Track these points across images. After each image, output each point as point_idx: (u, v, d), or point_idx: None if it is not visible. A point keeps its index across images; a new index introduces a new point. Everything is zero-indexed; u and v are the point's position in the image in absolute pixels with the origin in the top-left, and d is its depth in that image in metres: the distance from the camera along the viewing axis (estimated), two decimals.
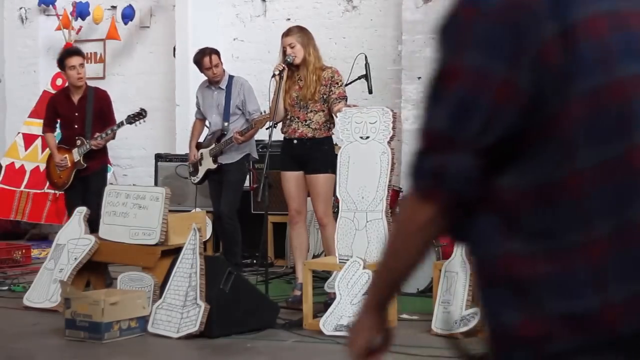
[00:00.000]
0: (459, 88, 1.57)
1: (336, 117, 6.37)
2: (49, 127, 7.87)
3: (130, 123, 7.62)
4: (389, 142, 6.02)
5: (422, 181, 1.64)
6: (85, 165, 7.59)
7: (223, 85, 7.66)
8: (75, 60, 7.59)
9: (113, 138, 7.73)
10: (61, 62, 7.68)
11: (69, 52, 7.85)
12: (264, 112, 7.22)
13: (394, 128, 6.05)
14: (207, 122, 7.92)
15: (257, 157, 7.76)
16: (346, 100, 6.56)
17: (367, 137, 6.09)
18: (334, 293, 5.83)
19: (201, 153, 7.76)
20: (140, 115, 7.61)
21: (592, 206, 1.55)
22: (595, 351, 1.55)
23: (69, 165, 7.65)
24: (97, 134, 7.52)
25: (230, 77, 7.72)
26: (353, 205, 6.07)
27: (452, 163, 1.59)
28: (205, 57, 7.61)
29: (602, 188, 1.55)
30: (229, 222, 7.49)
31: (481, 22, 1.57)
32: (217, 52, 7.70)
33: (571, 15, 1.56)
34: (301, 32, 6.63)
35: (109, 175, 8.41)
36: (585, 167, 1.55)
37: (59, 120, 7.84)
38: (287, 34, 6.63)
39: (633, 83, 1.58)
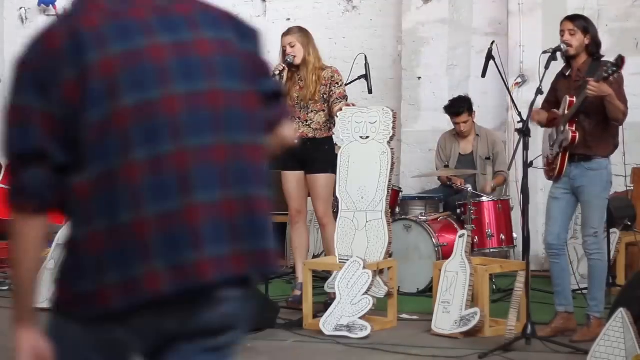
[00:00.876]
0: (16, 121, 2.01)
1: (337, 117, 6.39)
2: None
3: None
4: (388, 142, 6.03)
5: (12, 199, 2.04)
6: None
7: None
8: None
9: None
10: None
11: None
12: None
13: (394, 128, 6.06)
14: None
15: None
16: (346, 100, 6.56)
17: (367, 137, 6.10)
18: (334, 293, 5.84)
19: None
20: None
21: (94, 208, 1.99)
22: (96, 322, 2.01)
23: None
24: None
25: None
26: (352, 205, 6.07)
27: (26, 178, 2.01)
28: None
29: (102, 194, 1.99)
30: None
31: (26, 71, 2.03)
32: None
33: (86, 61, 1.99)
34: (301, 32, 6.64)
35: None
36: (92, 177, 1.99)
37: None
38: (287, 33, 6.63)
39: (133, 110, 2.00)
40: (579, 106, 5.40)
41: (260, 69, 2.26)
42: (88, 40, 2.00)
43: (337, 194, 6.19)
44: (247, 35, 2.26)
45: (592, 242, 5.47)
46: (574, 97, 5.43)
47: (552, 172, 5.58)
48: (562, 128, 5.48)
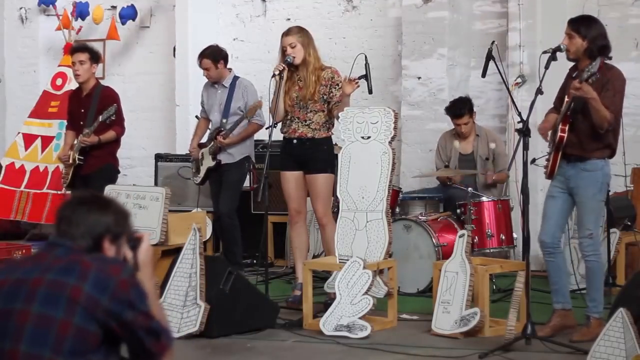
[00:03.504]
0: None
1: (337, 120, 6.40)
2: (68, 123, 7.97)
3: (105, 121, 7.52)
4: (390, 142, 6.03)
5: None
6: (79, 162, 7.59)
7: (226, 83, 7.72)
8: (75, 57, 7.69)
9: (116, 138, 7.68)
10: None
11: (71, 49, 7.94)
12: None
13: (395, 128, 6.06)
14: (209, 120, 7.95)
15: (253, 161, 7.80)
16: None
17: (369, 137, 6.10)
18: (334, 293, 5.84)
19: (202, 152, 7.79)
20: (109, 111, 7.51)
21: None
22: None
23: (70, 161, 7.67)
24: (85, 130, 7.54)
25: (235, 78, 7.76)
26: (353, 205, 6.07)
27: None
28: (202, 59, 7.72)
29: None
30: (228, 222, 7.51)
31: None
32: (211, 56, 7.68)
33: None
34: (301, 32, 6.63)
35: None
36: None
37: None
38: (287, 33, 6.62)
39: None
40: (569, 106, 5.38)
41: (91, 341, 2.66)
42: None
43: (338, 194, 6.18)
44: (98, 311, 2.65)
45: (587, 244, 5.45)
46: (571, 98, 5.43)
47: (546, 168, 5.57)
48: (556, 127, 5.48)
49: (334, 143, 6.89)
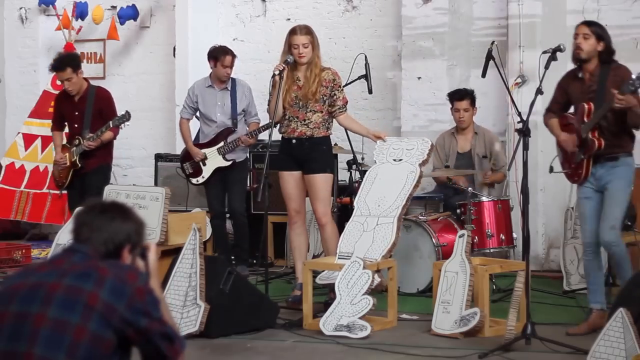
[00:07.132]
0: None
1: (340, 123, 6.45)
2: (55, 124, 7.99)
3: (116, 126, 7.58)
4: (420, 165, 6.15)
5: None
6: (80, 165, 7.63)
7: (228, 86, 7.82)
8: (59, 77, 7.73)
9: (113, 139, 7.73)
10: None
11: (52, 68, 7.80)
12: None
13: (428, 155, 6.23)
14: (205, 121, 7.99)
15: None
16: (346, 104, 6.62)
17: (400, 160, 6.24)
18: (334, 292, 5.84)
19: (204, 152, 7.86)
20: (124, 117, 7.57)
21: None
22: None
23: (67, 164, 7.69)
24: (90, 134, 7.57)
25: (233, 79, 7.89)
26: (367, 212, 6.14)
27: None
28: (227, 56, 7.83)
29: None
30: (242, 219, 7.77)
31: None
32: (234, 55, 7.94)
33: None
34: (312, 32, 6.61)
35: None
36: None
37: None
38: (299, 32, 6.54)
39: None
40: (604, 116, 5.49)
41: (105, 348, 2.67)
42: None
43: (355, 204, 6.24)
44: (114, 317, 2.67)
45: (614, 235, 5.56)
46: (591, 104, 5.50)
47: (578, 176, 5.66)
48: (584, 135, 5.53)
49: (333, 143, 6.88)
